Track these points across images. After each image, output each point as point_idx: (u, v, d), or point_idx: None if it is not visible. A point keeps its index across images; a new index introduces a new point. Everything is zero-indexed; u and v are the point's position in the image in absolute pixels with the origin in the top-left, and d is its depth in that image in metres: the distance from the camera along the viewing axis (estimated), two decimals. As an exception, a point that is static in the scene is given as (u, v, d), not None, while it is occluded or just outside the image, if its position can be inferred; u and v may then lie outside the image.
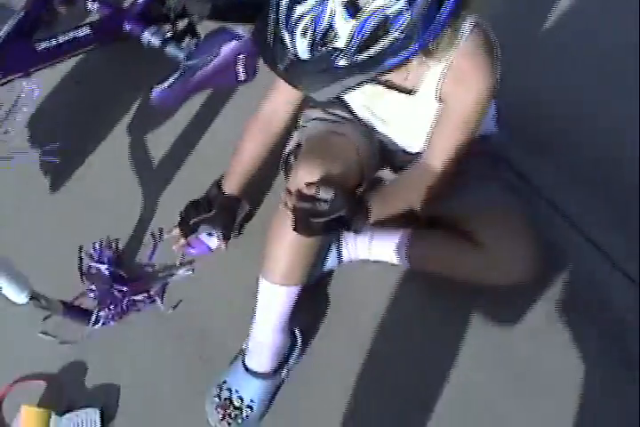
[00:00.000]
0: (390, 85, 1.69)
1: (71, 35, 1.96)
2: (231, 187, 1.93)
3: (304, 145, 1.81)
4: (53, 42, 1.94)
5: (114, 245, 1.99)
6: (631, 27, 2.51)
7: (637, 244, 2.00)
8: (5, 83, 1.89)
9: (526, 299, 1.93)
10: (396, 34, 1.30)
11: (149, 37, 2.00)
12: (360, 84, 1.35)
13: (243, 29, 1.95)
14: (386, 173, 1.94)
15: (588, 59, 2.45)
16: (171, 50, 1.98)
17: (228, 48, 1.92)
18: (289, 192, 1.65)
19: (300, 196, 1.62)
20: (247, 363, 1.77)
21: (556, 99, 2.32)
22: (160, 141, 2.18)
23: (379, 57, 1.32)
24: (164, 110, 2.15)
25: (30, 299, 1.57)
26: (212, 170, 2.05)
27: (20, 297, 1.54)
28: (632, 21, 2.52)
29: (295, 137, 1.86)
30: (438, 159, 1.70)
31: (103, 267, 1.95)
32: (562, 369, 1.83)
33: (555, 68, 2.41)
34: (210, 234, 1.96)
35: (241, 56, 1.92)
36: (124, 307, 1.89)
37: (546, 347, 1.87)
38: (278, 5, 1.32)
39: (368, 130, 1.86)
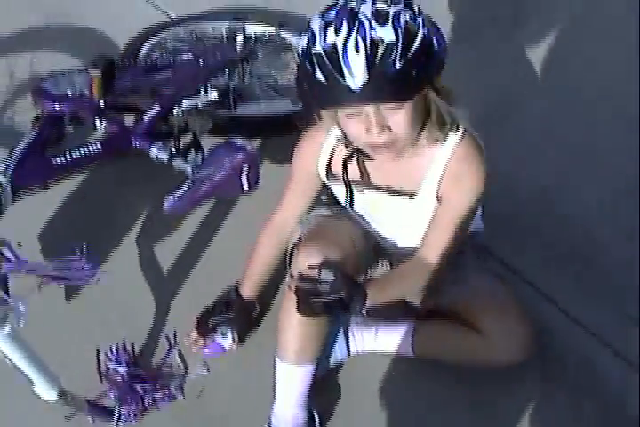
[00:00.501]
0: (393, 192, 1.86)
1: (83, 150, 2.09)
2: (248, 291, 2.08)
3: (305, 235, 1.94)
4: (67, 157, 2.07)
5: (129, 347, 2.10)
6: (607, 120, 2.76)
7: (623, 323, 2.18)
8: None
9: (520, 379, 2.06)
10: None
11: (157, 153, 2.14)
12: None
13: (245, 142, 2.11)
14: (383, 272, 2.10)
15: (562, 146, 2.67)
16: (178, 164, 2.12)
17: (232, 160, 2.06)
18: (292, 275, 1.80)
19: (302, 277, 1.76)
20: None
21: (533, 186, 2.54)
22: (169, 249, 2.31)
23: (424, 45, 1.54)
24: (174, 218, 2.30)
25: (59, 396, 1.66)
26: (220, 276, 2.21)
27: (50, 394, 1.64)
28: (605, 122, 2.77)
29: (297, 230, 1.99)
30: (433, 254, 1.85)
31: (121, 368, 2.05)
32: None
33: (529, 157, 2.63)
34: (223, 335, 2.07)
35: (245, 167, 2.07)
36: (145, 405, 1.99)
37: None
38: (313, 44, 1.54)
39: (365, 228, 2.02)
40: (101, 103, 2.17)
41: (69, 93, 2.21)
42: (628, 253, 2.37)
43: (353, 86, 1.51)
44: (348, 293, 1.72)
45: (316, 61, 1.54)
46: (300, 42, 1.61)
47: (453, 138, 1.76)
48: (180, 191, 2.04)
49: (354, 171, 1.84)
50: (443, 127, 1.71)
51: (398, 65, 1.50)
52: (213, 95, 2.31)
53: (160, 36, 2.66)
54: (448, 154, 1.77)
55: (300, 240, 1.95)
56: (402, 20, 1.52)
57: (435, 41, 1.57)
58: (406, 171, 1.82)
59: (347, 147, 1.79)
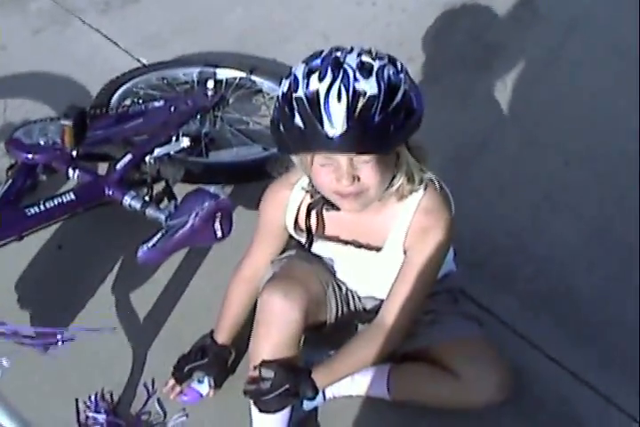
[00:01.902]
0: (359, 245, 1.89)
1: (57, 201, 2.10)
2: (222, 337, 2.09)
3: (274, 274, 1.96)
4: (41, 207, 2.08)
5: (108, 396, 2.09)
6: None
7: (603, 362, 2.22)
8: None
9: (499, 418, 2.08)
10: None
11: (130, 201, 2.15)
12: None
13: (218, 189, 2.12)
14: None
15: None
16: (151, 212, 2.12)
17: (205, 208, 2.07)
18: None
19: (249, 380, 1.87)
20: None
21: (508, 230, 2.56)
22: (145, 298, 2.31)
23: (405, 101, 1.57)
24: (148, 267, 2.29)
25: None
26: (195, 322, 2.22)
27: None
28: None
29: (269, 274, 2.00)
30: (396, 315, 1.86)
31: (100, 416, 2.04)
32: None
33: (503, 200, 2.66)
34: (200, 381, 2.07)
35: (218, 215, 2.08)
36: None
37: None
38: (295, 90, 1.56)
39: (335, 278, 2.04)
40: (74, 153, 2.19)
41: (42, 143, 2.23)
42: (605, 291, 2.41)
43: (330, 134, 1.53)
44: (291, 384, 1.82)
45: (296, 106, 1.56)
46: (281, 86, 1.63)
47: (419, 192, 1.79)
48: (154, 240, 2.03)
49: (317, 222, 1.89)
50: (411, 183, 1.74)
51: (377, 118, 1.53)
52: (185, 142, 2.35)
53: (132, 83, 2.68)
54: (413, 208, 1.80)
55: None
56: (385, 75, 1.56)
57: (414, 99, 1.61)
58: (372, 225, 1.85)
59: (312, 196, 1.82)
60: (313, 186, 1.77)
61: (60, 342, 1.46)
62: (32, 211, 2.07)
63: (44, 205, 2.09)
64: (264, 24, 3.27)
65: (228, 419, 2.06)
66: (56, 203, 2.10)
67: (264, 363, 1.84)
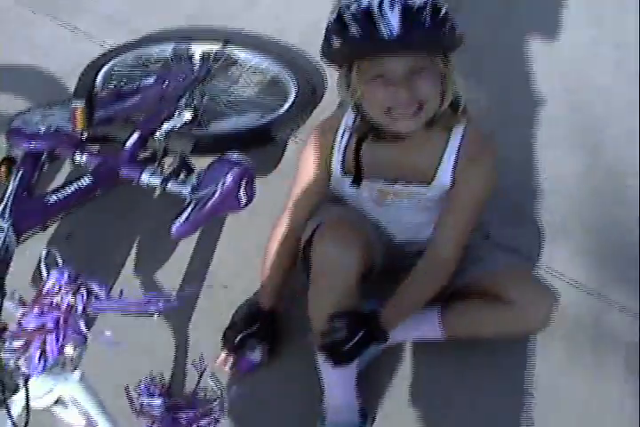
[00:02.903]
0: (408, 181, 1.90)
1: (75, 186, 2.04)
2: (267, 301, 2.07)
3: (318, 229, 1.93)
4: (61, 194, 2.01)
5: (158, 379, 2.04)
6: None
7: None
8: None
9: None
10: None
11: (148, 179, 2.09)
12: None
13: (240, 156, 2.09)
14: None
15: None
16: (173, 186, 2.07)
17: (232, 175, 2.05)
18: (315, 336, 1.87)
19: (321, 334, 1.84)
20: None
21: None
22: (170, 277, 2.27)
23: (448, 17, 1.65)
24: (170, 244, 2.29)
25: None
26: (226, 295, 2.21)
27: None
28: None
29: (309, 226, 1.98)
30: (449, 246, 1.91)
31: (154, 400, 1.99)
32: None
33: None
34: (252, 350, 2.05)
35: (243, 182, 2.06)
36: (193, 436, 1.94)
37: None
38: (348, 7, 1.63)
39: (375, 225, 2.04)
40: (83, 136, 2.13)
41: (43, 130, 2.16)
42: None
43: (387, 37, 1.59)
44: (366, 329, 1.81)
45: (352, 19, 1.62)
46: (331, 14, 1.69)
47: (461, 125, 1.82)
48: (186, 214, 2.00)
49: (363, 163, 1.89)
50: (455, 110, 1.77)
51: (428, 24, 1.60)
52: (188, 116, 2.31)
53: (109, 66, 2.63)
54: (459, 138, 1.83)
55: (312, 236, 1.94)
56: None
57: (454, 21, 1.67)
58: (418, 160, 1.87)
59: (362, 125, 1.82)
60: (361, 117, 1.79)
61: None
62: (53, 199, 2.00)
63: (64, 192, 2.02)
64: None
65: (290, 384, 2.06)
66: (74, 188, 2.03)
67: (334, 314, 1.83)
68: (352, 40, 1.63)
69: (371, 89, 1.70)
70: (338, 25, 1.65)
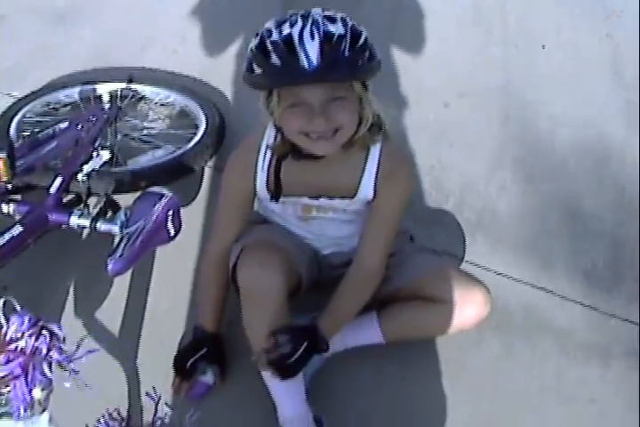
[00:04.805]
0: (331, 195, 1.98)
1: (8, 236, 2.05)
2: (211, 324, 2.12)
3: (241, 251, 1.98)
4: (-4, 248, 2.04)
5: (116, 414, 2.07)
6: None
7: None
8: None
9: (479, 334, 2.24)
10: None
11: (77, 221, 2.14)
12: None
13: (162, 189, 2.16)
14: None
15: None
16: (102, 225, 2.12)
17: (158, 209, 2.10)
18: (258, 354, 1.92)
19: (265, 351, 1.90)
20: None
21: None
22: (111, 311, 2.30)
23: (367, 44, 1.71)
24: (105, 281, 2.31)
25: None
26: (168, 324, 2.25)
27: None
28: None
29: (234, 250, 2.02)
30: (375, 257, 2.00)
31: (118, 437, 2.02)
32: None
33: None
34: (204, 373, 2.09)
35: (170, 213, 2.12)
36: (162, 466, 1.98)
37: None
38: (269, 36, 1.67)
39: (300, 241, 2.12)
40: (9, 186, 2.16)
41: (-36, 185, 2.18)
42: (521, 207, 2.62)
43: (307, 67, 1.63)
44: (309, 341, 1.90)
45: (272, 48, 1.66)
46: (252, 41, 1.72)
47: (379, 142, 1.91)
48: (119, 251, 2.04)
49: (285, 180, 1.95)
50: (373, 133, 1.86)
51: (347, 53, 1.65)
52: (106, 155, 2.37)
53: (20, 115, 2.66)
54: (377, 154, 1.92)
55: (237, 259, 1.99)
56: (348, 22, 1.70)
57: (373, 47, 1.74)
58: (339, 176, 1.94)
59: (282, 145, 1.88)
60: (281, 137, 1.86)
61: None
62: (-14, 254, 2.03)
63: (-3, 245, 2.05)
64: (116, 39, 3.30)
65: (244, 403, 2.10)
66: (7, 239, 2.05)
67: (276, 330, 1.90)
68: (272, 69, 1.67)
69: (288, 116, 1.75)
70: (259, 53, 1.68)
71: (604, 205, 2.70)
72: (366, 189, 1.94)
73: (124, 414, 2.02)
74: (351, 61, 1.66)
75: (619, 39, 3.40)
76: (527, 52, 3.34)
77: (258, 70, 1.70)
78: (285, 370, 1.91)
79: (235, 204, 2.04)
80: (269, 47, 1.67)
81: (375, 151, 1.91)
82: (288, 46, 1.65)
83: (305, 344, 1.89)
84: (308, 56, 1.63)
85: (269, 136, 1.92)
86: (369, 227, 2.00)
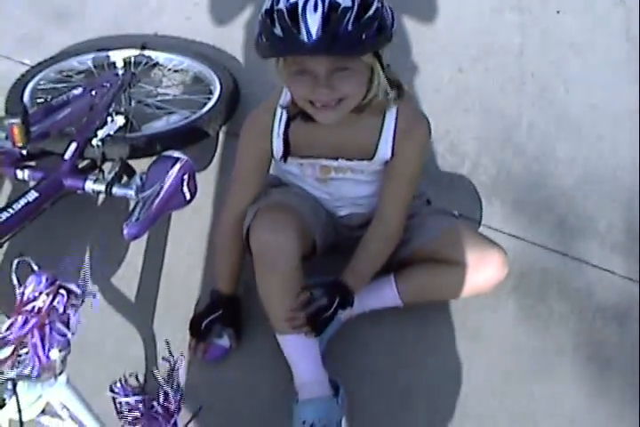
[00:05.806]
0: (350, 157, 1.98)
1: (23, 201, 2.07)
2: (226, 288, 2.13)
3: (256, 211, 2.00)
4: (11, 210, 2.04)
5: (133, 378, 2.08)
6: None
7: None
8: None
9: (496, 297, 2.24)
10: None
11: (92, 186, 2.15)
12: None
13: (178, 153, 2.16)
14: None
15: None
16: (118, 190, 2.14)
17: (173, 172, 2.11)
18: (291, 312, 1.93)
19: (301, 306, 1.92)
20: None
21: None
22: (127, 280, 2.31)
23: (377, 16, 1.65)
24: (122, 245, 2.34)
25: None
26: (184, 288, 2.27)
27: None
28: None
29: (248, 213, 2.02)
30: (395, 213, 2.01)
31: (133, 399, 2.03)
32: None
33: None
34: (220, 335, 2.11)
35: (185, 177, 2.12)
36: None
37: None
38: (277, 3, 1.65)
39: (317, 204, 2.12)
40: (23, 152, 2.17)
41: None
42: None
43: (306, 40, 1.61)
44: (340, 295, 1.93)
45: (276, 17, 1.65)
46: (265, 3, 1.70)
47: (395, 105, 1.90)
48: (135, 215, 2.06)
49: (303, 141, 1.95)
50: (386, 98, 1.84)
51: (350, 27, 1.62)
52: (121, 121, 2.37)
53: (34, 82, 2.67)
54: (394, 116, 1.91)
55: (251, 222, 1.99)
56: None
57: (387, 16, 1.70)
58: (355, 138, 1.94)
59: (294, 106, 1.87)
60: (292, 98, 1.85)
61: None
62: (2, 218, 2.04)
63: (13, 208, 2.06)
64: (129, 6, 3.28)
65: (260, 367, 2.11)
66: (23, 203, 2.07)
67: (309, 285, 1.94)
68: (274, 39, 1.66)
69: (293, 83, 1.76)
70: (265, 20, 1.67)
71: (619, 167, 2.68)
72: (384, 150, 1.94)
73: (141, 378, 2.07)
74: (353, 36, 1.63)
75: (632, 4, 3.36)
76: (542, 17, 3.30)
77: (263, 39, 1.70)
78: (322, 324, 1.93)
79: (251, 166, 2.04)
80: (275, 15, 1.65)
81: (392, 113, 1.91)
82: (291, 16, 1.63)
83: (339, 298, 1.92)
84: (308, 29, 1.61)
85: (285, 97, 1.91)
86: (388, 184, 2.00)
